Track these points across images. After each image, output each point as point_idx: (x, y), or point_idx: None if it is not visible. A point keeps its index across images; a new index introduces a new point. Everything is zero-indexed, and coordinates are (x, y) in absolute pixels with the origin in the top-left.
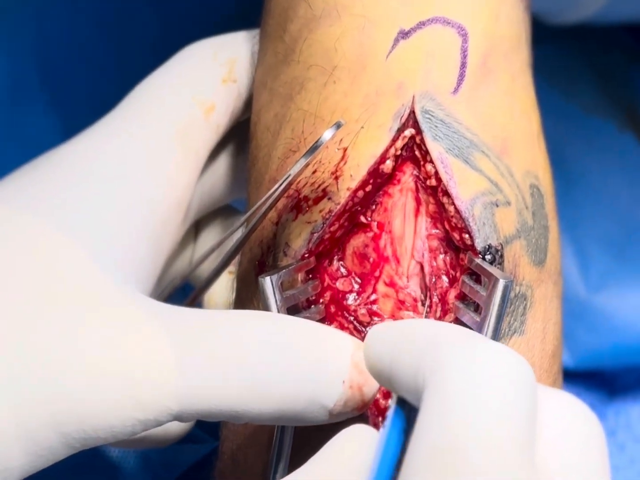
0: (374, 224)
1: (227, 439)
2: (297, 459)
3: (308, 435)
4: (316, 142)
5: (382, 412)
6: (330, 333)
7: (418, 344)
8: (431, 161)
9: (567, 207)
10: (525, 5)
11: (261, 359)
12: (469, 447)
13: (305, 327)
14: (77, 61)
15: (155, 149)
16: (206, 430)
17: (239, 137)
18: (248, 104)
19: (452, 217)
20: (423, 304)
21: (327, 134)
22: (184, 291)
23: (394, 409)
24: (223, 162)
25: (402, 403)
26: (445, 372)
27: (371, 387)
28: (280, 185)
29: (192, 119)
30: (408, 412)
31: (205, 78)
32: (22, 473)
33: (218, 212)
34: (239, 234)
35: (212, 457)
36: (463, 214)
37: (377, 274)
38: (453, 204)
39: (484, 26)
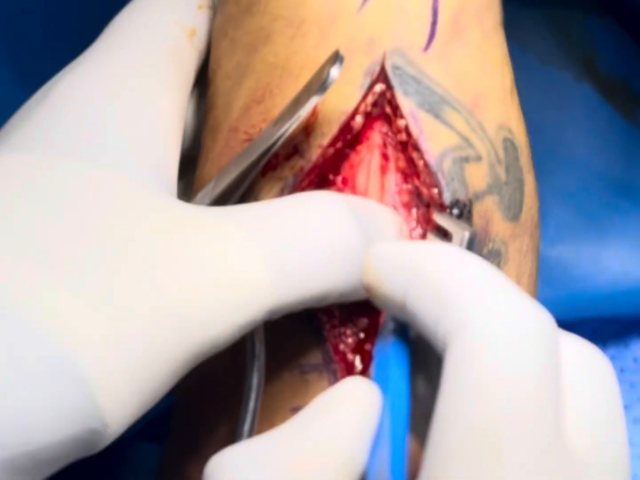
0: (339, 180)
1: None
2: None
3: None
4: (325, 80)
5: (351, 369)
6: (380, 208)
7: (442, 284)
8: (402, 116)
9: None
10: None
11: (337, 234)
12: (499, 428)
13: (362, 202)
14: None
15: (151, 69)
16: None
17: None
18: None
19: (421, 172)
20: None
21: (335, 72)
22: None
23: (392, 352)
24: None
25: (400, 336)
26: (471, 341)
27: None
28: (291, 125)
29: (177, 42)
30: (409, 349)
31: (183, 3)
32: (134, 418)
33: None
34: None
35: None
36: (432, 169)
37: None
38: (422, 158)
39: None
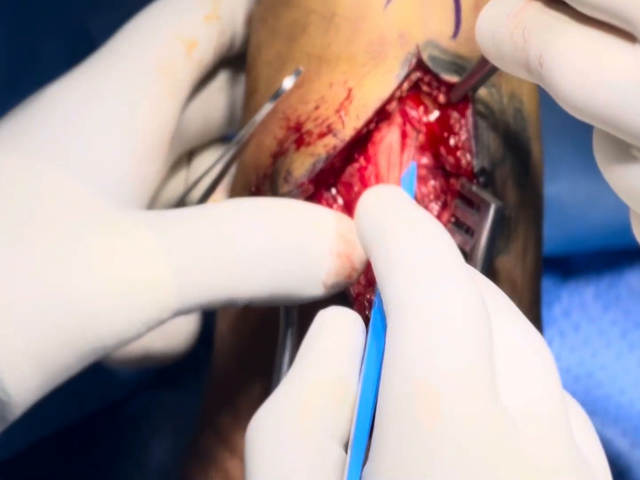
0: (362, 157)
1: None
2: None
3: None
4: (278, 89)
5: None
6: (313, 208)
7: (393, 246)
8: (451, 86)
9: None
10: None
11: (249, 241)
12: (438, 388)
13: (287, 205)
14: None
15: (137, 81)
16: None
17: (230, 72)
18: (234, 41)
19: (458, 138)
20: None
21: (288, 83)
22: None
23: (377, 301)
24: (216, 95)
25: None
26: (404, 308)
27: (360, 255)
28: (248, 130)
29: (173, 55)
30: None
31: (187, 15)
32: (40, 392)
33: (212, 142)
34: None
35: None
36: (471, 134)
37: None
38: (465, 124)
39: None
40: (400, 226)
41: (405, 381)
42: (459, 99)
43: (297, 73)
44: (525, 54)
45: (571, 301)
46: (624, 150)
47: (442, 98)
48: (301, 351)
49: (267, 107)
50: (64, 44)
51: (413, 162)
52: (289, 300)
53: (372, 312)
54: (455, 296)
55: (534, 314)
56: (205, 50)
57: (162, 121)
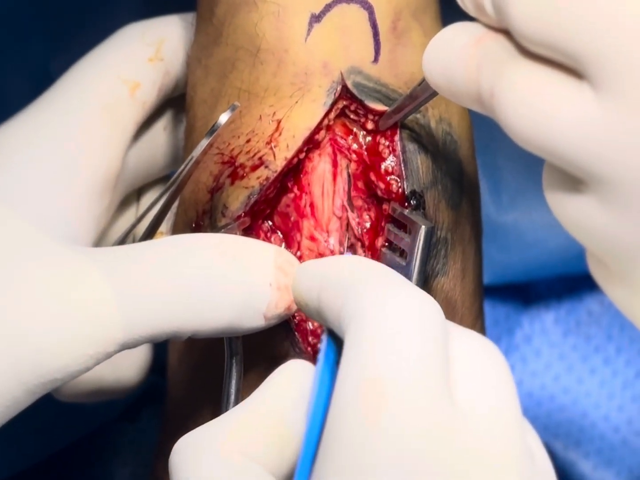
0: (295, 186)
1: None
2: None
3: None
4: (214, 125)
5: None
6: (251, 242)
7: (342, 281)
8: (377, 114)
9: (478, 129)
10: None
11: (191, 276)
12: (385, 380)
13: (227, 240)
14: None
15: (81, 123)
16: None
17: (175, 112)
18: (178, 81)
19: (387, 164)
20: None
21: (223, 118)
22: None
23: (325, 341)
24: (160, 135)
25: (332, 334)
26: (361, 318)
27: None
28: (186, 165)
29: (117, 96)
30: (340, 342)
31: (131, 57)
32: None
33: (159, 180)
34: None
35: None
36: (400, 158)
37: (299, 230)
38: (393, 150)
39: None
40: (346, 266)
41: (355, 381)
42: (388, 127)
43: (233, 108)
44: (478, 85)
45: (532, 327)
46: (570, 183)
47: (369, 125)
48: (257, 390)
49: (203, 143)
50: (24, 85)
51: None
52: (232, 331)
53: (321, 349)
54: (411, 302)
55: (478, 331)
56: (149, 91)
57: (106, 161)
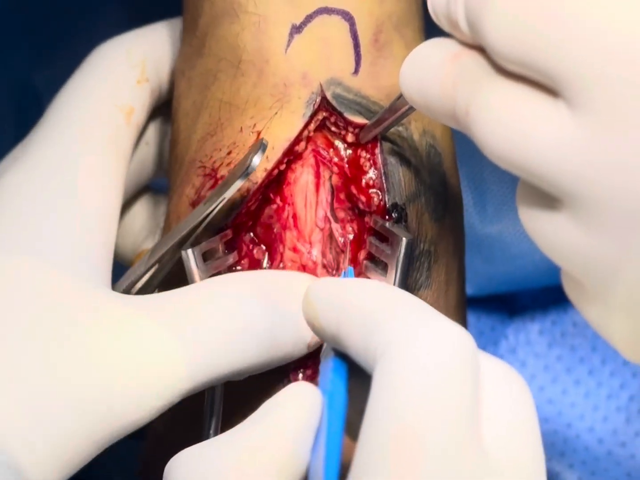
0: (277, 198)
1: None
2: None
3: (237, 397)
4: (247, 167)
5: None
6: (288, 276)
7: (367, 310)
8: (357, 127)
9: (463, 140)
10: None
11: (245, 314)
12: (418, 432)
13: (268, 277)
14: None
15: (86, 161)
16: None
17: (156, 123)
18: (161, 95)
19: (368, 177)
20: (324, 267)
21: (257, 160)
22: None
23: (332, 363)
24: (143, 149)
25: (339, 354)
26: (394, 355)
27: None
28: (217, 206)
29: (116, 125)
30: (348, 365)
31: (121, 82)
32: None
33: (142, 191)
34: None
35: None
36: (381, 171)
37: (281, 242)
38: (374, 163)
39: (369, 7)
40: (370, 293)
41: (387, 428)
42: (368, 140)
43: (264, 148)
44: (453, 102)
45: (517, 338)
46: (545, 201)
47: (350, 138)
48: (256, 414)
49: (237, 184)
50: (9, 98)
51: (350, 267)
52: (282, 362)
53: (328, 370)
54: (446, 337)
55: None
56: (141, 113)
57: (114, 193)
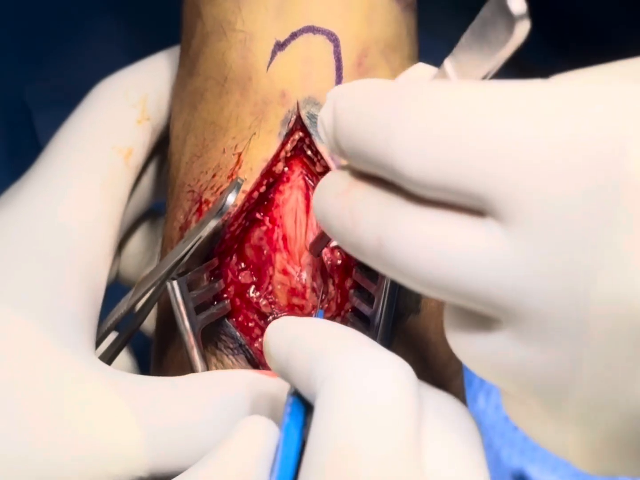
0: (267, 219)
1: None
2: None
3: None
4: (222, 207)
5: None
6: (257, 379)
7: (311, 346)
8: (322, 159)
9: None
10: (405, 6)
11: (212, 417)
12: (355, 458)
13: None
14: None
15: (82, 207)
16: None
17: (155, 154)
18: (165, 132)
19: None
20: (314, 291)
21: (231, 198)
22: None
23: (291, 402)
24: (141, 182)
25: (299, 394)
26: (332, 385)
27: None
28: (194, 244)
29: (113, 168)
30: (306, 402)
31: (120, 123)
32: None
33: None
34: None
35: None
36: None
37: (271, 264)
38: None
39: (356, 30)
40: (316, 330)
41: (326, 451)
42: (318, 254)
43: (238, 186)
44: (357, 235)
45: None
46: (478, 323)
47: (319, 167)
48: (215, 450)
49: (212, 223)
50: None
51: (320, 310)
52: None
53: (287, 410)
54: (384, 369)
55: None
56: (140, 153)
57: (108, 239)
